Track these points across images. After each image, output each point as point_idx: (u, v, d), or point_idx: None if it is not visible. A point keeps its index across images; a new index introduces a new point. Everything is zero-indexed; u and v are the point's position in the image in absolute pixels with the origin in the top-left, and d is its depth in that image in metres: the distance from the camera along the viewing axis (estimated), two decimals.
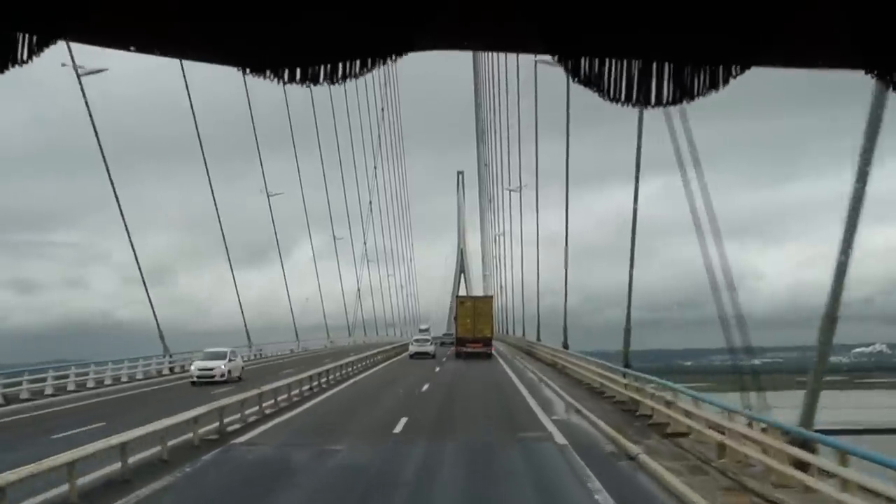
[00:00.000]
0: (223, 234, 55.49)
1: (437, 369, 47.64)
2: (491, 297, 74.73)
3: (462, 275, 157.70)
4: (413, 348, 60.59)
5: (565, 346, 46.75)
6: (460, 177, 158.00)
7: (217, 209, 53.94)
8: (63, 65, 36.51)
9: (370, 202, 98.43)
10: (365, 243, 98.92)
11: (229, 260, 57.48)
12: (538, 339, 58.91)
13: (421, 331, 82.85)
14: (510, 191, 75.17)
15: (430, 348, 59.99)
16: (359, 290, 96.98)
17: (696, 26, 2.08)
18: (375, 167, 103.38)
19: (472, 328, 58.27)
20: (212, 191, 52.58)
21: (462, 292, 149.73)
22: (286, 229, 77.41)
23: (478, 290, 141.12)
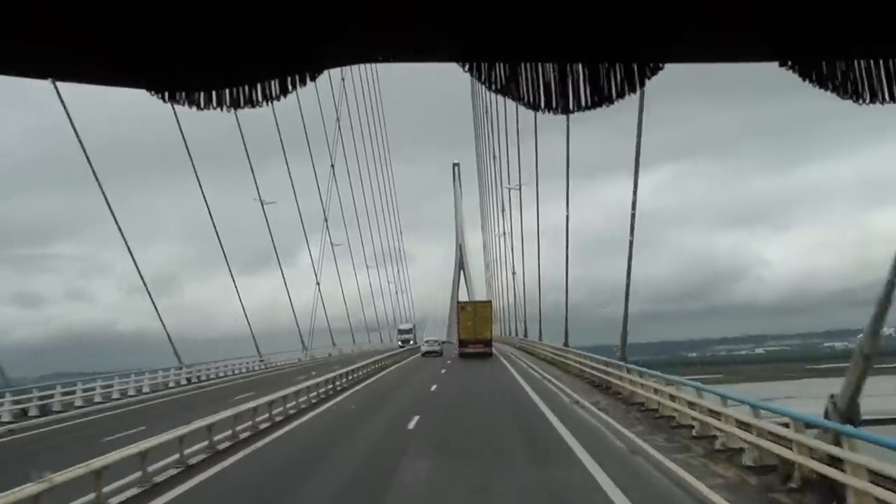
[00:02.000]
0: (220, 241, 55.18)
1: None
2: (489, 301, 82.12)
3: (462, 271, 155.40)
4: (424, 348, 74.38)
5: (566, 344, 47.19)
6: (456, 169, 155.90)
7: (212, 216, 53.43)
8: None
9: (362, 203, 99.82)
10: (363, 247, 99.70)
11: (229, 268, 57.24)
12: (540, 338, 62.31)
13: (401, 331, 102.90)
14: (509, 188, 75.10)
15: (437, 348, 73.13)
16: (360, 294, 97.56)
17: (606, 27, 2.10)
18: (365, 168, 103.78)
19: (473, 330, 64.75)
20: (204, 198, 52.16)
21: (462, 290, 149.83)
22: (289, 235, 78.79)
23: (478, 287, 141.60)
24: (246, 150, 59.70)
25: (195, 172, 50.60)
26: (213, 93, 2.38)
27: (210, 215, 53.39)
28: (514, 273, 72.86)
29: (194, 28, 2.21)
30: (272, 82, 2.36)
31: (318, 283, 78.67)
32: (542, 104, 2.19)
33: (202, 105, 2.39)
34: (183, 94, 2.37)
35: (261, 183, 62.79)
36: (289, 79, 2.38)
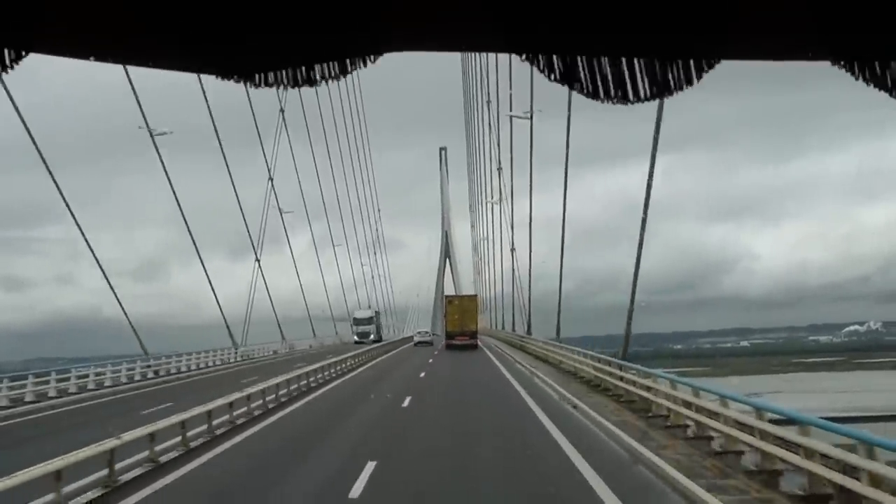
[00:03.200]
0: (189, 228, 53.89)
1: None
2: (475, 295, 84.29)
3: (448, 259, 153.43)
4: (417, 339, 79.54)
5: (558, 338, 47.32)
6: (443, 153, 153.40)
7: (178, 200, 51.99)
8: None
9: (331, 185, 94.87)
10: (344, 235, 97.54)
11: (199, 254, 55.92)
12: (528, 331, 61.98)
13: (357, 321, 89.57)
14: (498, 168, 73.75)
15: (429, 339, 79.50)
16: (342, 282, 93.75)
17: (660, 23, 2.15)
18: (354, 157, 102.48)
19: (460, 323, 67.12)
20: (170, 182, 51.03)
21: (448, 278, 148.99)
22: (276, 220, 77.07)
23: (465, 275, 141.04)
24: (219, 138, 58.98)
25: (161, 157, 49.37)
26: (271, 73, 2.43)
27: (177, 200, 51.64)
28: (513, 250, 69.18)
29: (254, 12, 2.26)
30: (330, 64, 2.40)
31: (256, 260, 68.52)
32: (602, 94, 2.24)
33: (258, 83, 2.44)
34: (242, 74, 2.41)
35: (245, 166, 62.18)
36: (340, 63, 2.43)
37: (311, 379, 33.91)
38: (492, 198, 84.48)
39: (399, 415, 24.76)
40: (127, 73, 40.59)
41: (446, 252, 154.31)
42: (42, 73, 38.15)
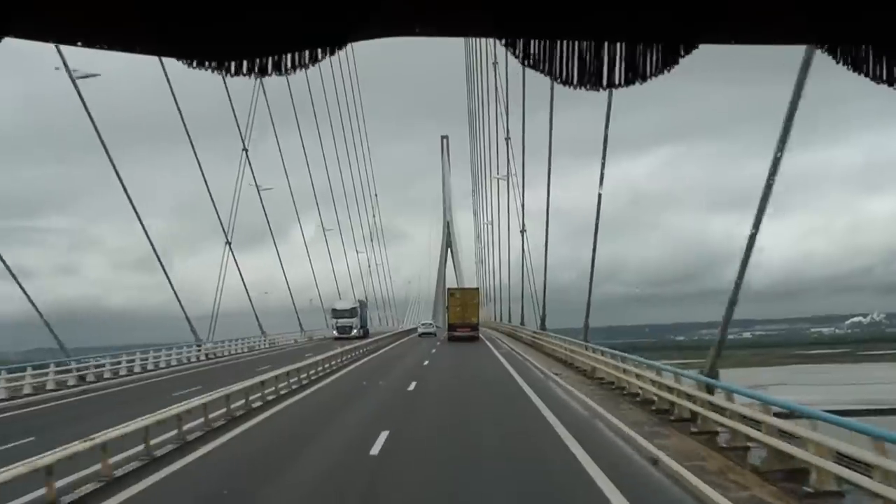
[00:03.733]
0: (140, 225, 47.06)
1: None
2: (477, 288, 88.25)
3: (449, 249, 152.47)
4: (421, 330, 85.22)
5: (543, 327, 51.45)
6: (444, 141, 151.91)
7: (126, 194, 44.96)
8: (56, 69, 36.94)
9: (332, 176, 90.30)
10: (338, 228, 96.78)
11: (152, 251, 48.78)
12: (522, 322, 66.88)
13: (336, 312, 77.68)
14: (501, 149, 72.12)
15: (433, 329, 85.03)
16: (334, 272, 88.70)
17: (644, 5, 2.12)
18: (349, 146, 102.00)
19: (462, 315, 70.27)
20: (117, 173, 50.14)
21: (450, 268, 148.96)
22: (286, 211, 75.29)
23: (466, 266, 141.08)
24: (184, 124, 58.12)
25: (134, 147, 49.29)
26: (244, 61, 2.39)
27: (124, 195, 44.92)
28: (523, 231, 64.46)
29: None
30: (303, 52, 2.37)
31: (227, 243, 59.94)
32: (576, 80, 2.22)
33: (232, 72, 2.41)
34: (214, 62, 2.39)
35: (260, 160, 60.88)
36: (318, 50, 2.40)
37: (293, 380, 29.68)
38: (497, 173, 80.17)
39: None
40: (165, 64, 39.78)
41: (448, 242, 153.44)
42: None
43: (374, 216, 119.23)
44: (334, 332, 75.78)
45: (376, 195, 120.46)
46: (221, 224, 59.85)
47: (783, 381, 54.58)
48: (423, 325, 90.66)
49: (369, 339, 63.59)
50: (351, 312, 78.58)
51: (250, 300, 62.98)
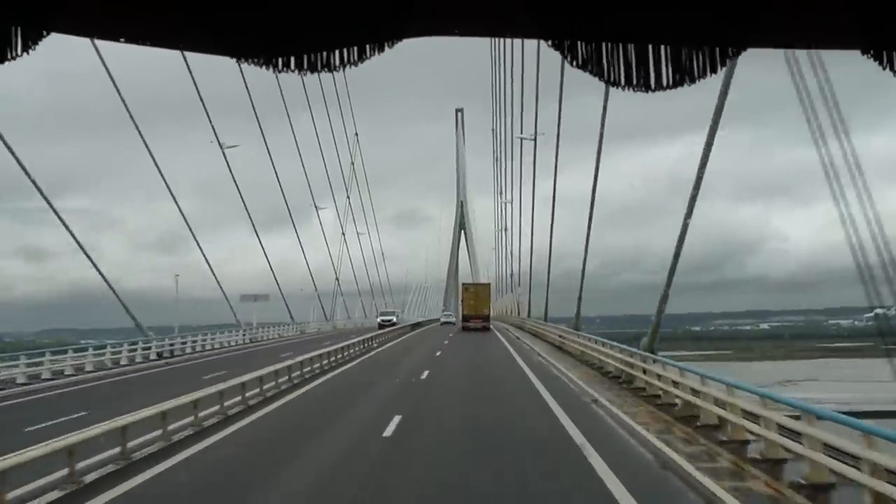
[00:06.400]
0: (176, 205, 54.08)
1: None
2: (489, 283, 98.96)
3: (462, 232, 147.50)
4: (443, 319, 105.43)
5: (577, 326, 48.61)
6: (459, 115, 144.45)
7: (161, 175, 51.79)
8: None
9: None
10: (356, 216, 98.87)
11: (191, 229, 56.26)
12: (528, 314, 73.33)
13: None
14: (521, 138, 70.06)
15: (452, 319, 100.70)
16: (352, 265, 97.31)
17: (691, 8, 2.17)
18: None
19: (475, 308, 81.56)
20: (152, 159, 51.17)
21: (462, 251, 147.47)
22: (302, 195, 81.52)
23: (481, 251, 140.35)
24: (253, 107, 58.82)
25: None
26: (291, 57, 2.45)
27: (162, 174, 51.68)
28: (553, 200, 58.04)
29: None
30: (352, 49, 2.43)
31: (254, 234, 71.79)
32: (623, 82, 2.28)
33: (280, 67, 2.47)
34: (262, 58, 2.45)
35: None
36: (367, 47, 2.46)
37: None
38: (521, 132, 74.57)
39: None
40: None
41: (461, 224, 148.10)
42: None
43: (352, 163, 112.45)
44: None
45: (357, 134, 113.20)
46: (248, 211, 67.60)
47: (812, 376, 54.07)
48: (444, 314, 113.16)
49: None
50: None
51: (280, 290, 76.31)
